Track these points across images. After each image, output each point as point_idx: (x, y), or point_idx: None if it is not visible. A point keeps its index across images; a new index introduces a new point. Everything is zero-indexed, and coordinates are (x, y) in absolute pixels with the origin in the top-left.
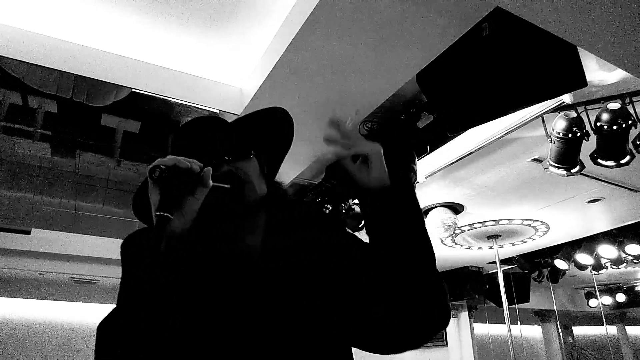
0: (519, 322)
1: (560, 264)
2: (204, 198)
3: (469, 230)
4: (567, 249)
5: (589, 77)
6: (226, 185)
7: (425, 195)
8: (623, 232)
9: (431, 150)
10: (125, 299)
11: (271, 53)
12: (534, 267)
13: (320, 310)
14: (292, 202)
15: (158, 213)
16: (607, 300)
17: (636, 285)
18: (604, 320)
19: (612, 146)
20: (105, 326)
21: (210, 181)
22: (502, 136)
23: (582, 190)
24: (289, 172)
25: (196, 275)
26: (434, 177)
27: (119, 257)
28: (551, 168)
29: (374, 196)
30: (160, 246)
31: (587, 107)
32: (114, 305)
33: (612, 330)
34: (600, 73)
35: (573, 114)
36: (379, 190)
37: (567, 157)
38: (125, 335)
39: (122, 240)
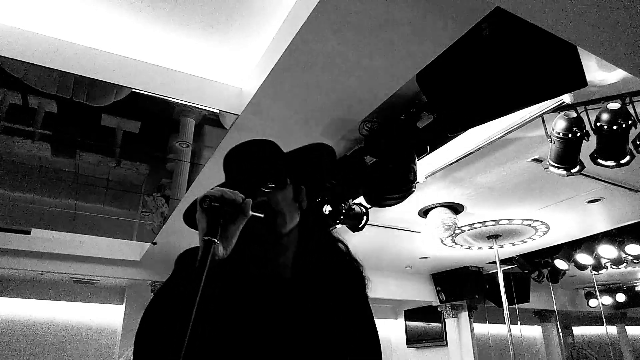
0: (519, 322)
1: (560, 264)
2: (243, 225)
3: (469, 230)
4: (567, 249)
5: (589, 77)
6: (260, 215)
7: (425, 195)
8: (623, 232)
9: (431, 150)
10: (166, 306)
11: (271, 53)
12: (534, 267)
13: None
14: (323, 241)
15: (206, 238)
16: (607, 300)
17: (636, 285)
18: (604, 320)
19: (612, 146)
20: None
21: (250, 211)
22: (502, 136)
23: (582, 190)
24: None
25: (230, 293)
26: (434, 177)
27: (119, 257)
28: (551, 168)
29: None
30: (206, 266)
31: (587, 107)
32: (114, 305)
33: (612, 330)
34: (600, 73)
35: (573, 114)
36: None
37: (567, 157)
38: (161, 340)
39: (178, 254)
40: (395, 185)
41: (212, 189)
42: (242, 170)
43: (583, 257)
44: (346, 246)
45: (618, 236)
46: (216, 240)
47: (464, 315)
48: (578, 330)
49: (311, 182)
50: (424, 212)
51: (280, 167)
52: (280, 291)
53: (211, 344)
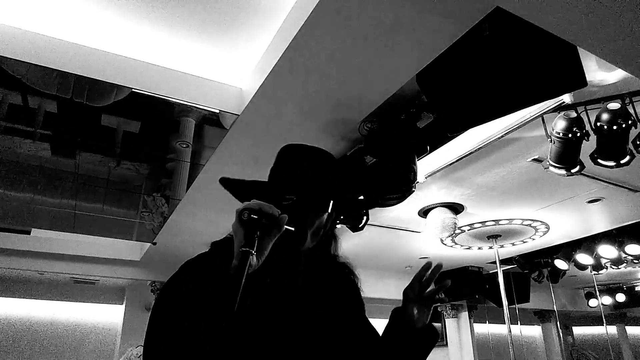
0: (519, 322)
1: (560, 264)
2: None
3: (469, 230)
4: (567, 249)
5: (589, 77)
6: (291, 229)
7: (425, 195)
8: (623, 232)
9: (431, 150)
10: (199, 314)
11: (271, 53)
12: (534, 267)
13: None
14: (330, 256)
15: (243, 249)
16: (607, 300)
17: (636, 285)
18: (604, 320)
19: (612, 146)
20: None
21: (285, 226)
22: (502, 136)
23: (582, 190)
24: None
25: (257, 302)
26: (434, 177)
27: (119, 257)
28: (551, 168)
29: (416, 335)
30: (243, 276)
31: (587, 107)
32: (114, 305)
33: (612, 330)
34: (600, 73)
35: (573, 114)
36: (419, 332)
37: (567, 157)
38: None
39: (185, 262)
40: (395, 185)
41: (251, 201)
42: (292, 182)
43: (583, 257)
44: (344, 260)
45: (618, 236)
46: (253, 252)
47: (464, 315)
48: (578, 330)
49: (340, 209)
50: (424, 212)
51: (328, 195)
52: (294, 299)
53: (241, 352)
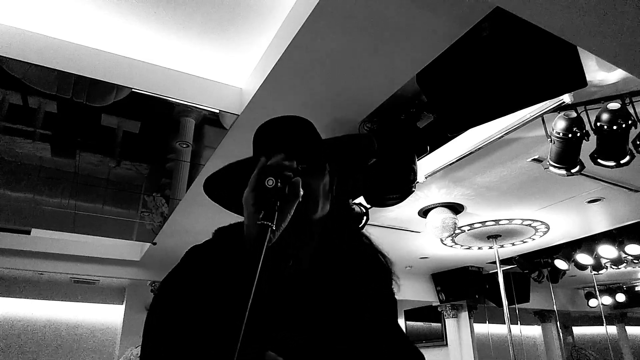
0: (519, 322)
1: (560, 264)
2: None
3: (469, 230)
4: (567, 249)
5: (589, 77)
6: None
7: (425, 195)
8: (623, 232)
9: (431, 150)
10: (215, 294)
11: (271, 53)
12: (534, 267)
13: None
14: (352, 234)
15: (264, 222)
16: (607, 300)
17: (636, 285)
18: (604, 320)
19: (612, 146)
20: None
21: (301, 192)
22: (502, 136)
23: (582, 190)
24: None
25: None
26: (434, 177)
27: (119, 257)
28: (551, 168)
29: None
30: (262, 253)
31: (587, 107)
32: (114, 305)
33: (612, 330)
34: (600, 73)
35: (573, 114)
36: None
37: (567, 157)
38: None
39: (187, 250)
40: (395, 185)
41: (271, 161)
42: (278, 147)
43: (583, 257)
44: (370, 239)
45: (618, 236)
46: (273, 226)
47: (464, 315)
48: (578, 330)
49: (346, 173)
50: (424, 212)
51: (321, 150)
52: (297, 282)
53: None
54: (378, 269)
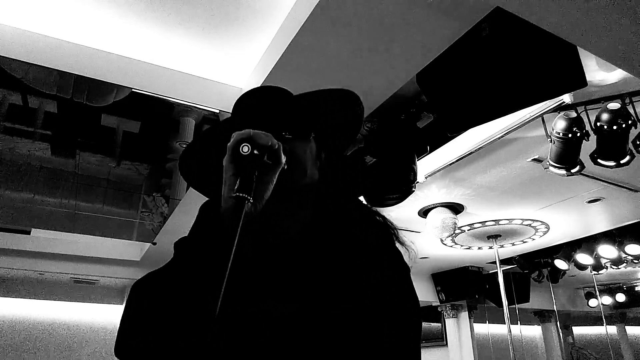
0: (519, 322)
1: (560, 264)
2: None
3: (469, 230)
4: (567, 249)
5: (589, 77)
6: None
7: (425, 195)
8: (623, 232)
9: (431, 150)
10: (192, 271)
11: (271, 53)
12: (534, 267)
13: (327, 311)
14: (346, 200)
15: (239, 194)
16: (607, 300)
17: (636, 285)
18: (604, 320)
19: (612, 146)
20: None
21: (283, 159)
22: (502, 136)
23: (582, 190)
24: None
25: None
26: (434, 177)
27: (119, 257)
28: (551, 168)
29: None
30: (237, 228)
31: (587, 107)
32: (114, 305)
33: (612, 330)
34: (600, 73)
35: (573, 114)
36: None
37: (567, 157)
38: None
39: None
40: (395, 185)
41: (246, 130)
42: (257, 115)
43: (583, 257)
44: (368, 206)
45: (618, 236)
46: (250, 198)
47: (464, 315)
48: (578, 330)
49: (335, 134)
50: (424, 212)
51: (302, 115)
52: (285, 253)
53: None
54: (376, 230)
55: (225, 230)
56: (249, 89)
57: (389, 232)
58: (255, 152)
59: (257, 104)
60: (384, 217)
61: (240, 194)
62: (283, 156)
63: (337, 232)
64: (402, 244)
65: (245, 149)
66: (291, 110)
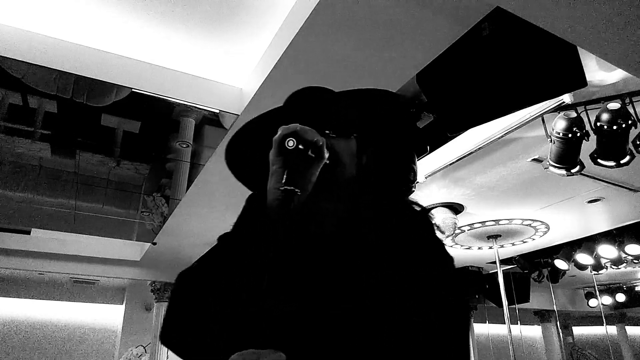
0: (519, 322)
1: (560, 264)
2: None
3: (469, 230)
4: (567, 249)
5: (589, 77)
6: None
7: (425, 195)
8: (623, 232)
9: (431, 150)
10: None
11: (271, 53)
12: (534, 267)
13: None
14: (388, 200)
15: (286, 187)
16: (607, 300)
17: (636, 285)
18: (604, 320)
19: (612, 146)
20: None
21: (326, 154)
22: (502, 136)
23: (582, 190)
24: None
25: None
26: (434, 177)
27: (119, 257)
28: (551, 168)
29: None
30: (285, 221)
31: (587, 107)
32: (114, 305)
33: (612, 330)
34: (600, 73)
35: (573, 114)
36: None
37: (567, 157)
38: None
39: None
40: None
41: (292, 124)
42: (303, 112)
43: (583, 257)
44: (421, 206)
45: (618, 236)
46: (298, 191)
47: None
48: (578, 330)
49: (380, 136)
50: None
51: (344, 114)
52: (320, 247)
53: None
54: (413, 222)
55: (272, 222)
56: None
57: (429, 222)
58: (300, 146)
59: (303, 102)
60: (422, 207)
61: (289, 187)
62: (326, 151)
63: (372, 227)
64: (442, 232)
65: (291, 143)
66: (334, 109)
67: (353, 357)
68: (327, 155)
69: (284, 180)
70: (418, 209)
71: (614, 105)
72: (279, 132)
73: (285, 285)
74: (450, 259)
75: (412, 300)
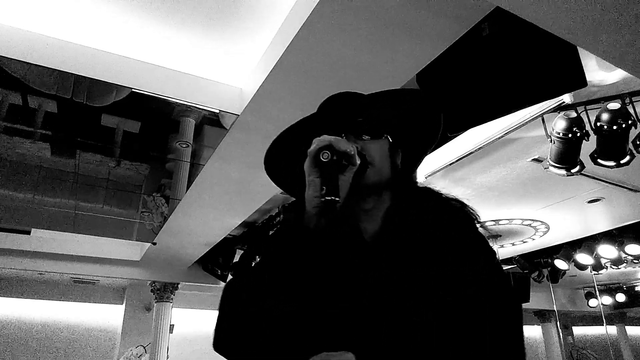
0: None
1: (560, 264)
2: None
3: None
4: (567, 249)
5: (589, 77)
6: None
7: None
8: (623, 232)
9: (431, 150)
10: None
11: (271, 53)
12: (534, 267)
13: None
14: (425, 196)
15: (328, 198)
16: (607, 300)
17: (636, 285)
18: (604, 320)
19: (612, 146)
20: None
21: (358, 161)
22: (502, 136)
23: (582, 190)
24: None
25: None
26: (434, 177)
27: (119, 257)
28: (551, 168)
29: None
30: (328, 228)
31: (587, 107)
32: (114, 305)
33: (612, 330)
34: (600, 73)
35: (573, 114)
36: None
37: (567, 157)
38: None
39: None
40: None
41: (322, 137)
42: (335, 114)
43: (583, 257)
44: (461, 202)
45: (618, 236)
46: (339, 200)
47: None
48: (578, 330)
49: (411, 136)
50: None
51: (377, 115)
52: (359, 256)
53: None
54: (453, 219)
55: (313, 231)
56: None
57: (469, 218)
58: (335, 157)
59: (337, 109)
60: (461, 203)
61: (328, 197)
62: (358, 158)
63: (411, 229)
64: (484, 227)
65: (325, 155)
66: (369, 113)
67: (418, 353)
68: (358, 161)
69: (323, 192)
70: (458, 205)
71: (614, 105)
72: (313, 145)
73: (337, 288)
74: (492, 253)
75: (459, 297)
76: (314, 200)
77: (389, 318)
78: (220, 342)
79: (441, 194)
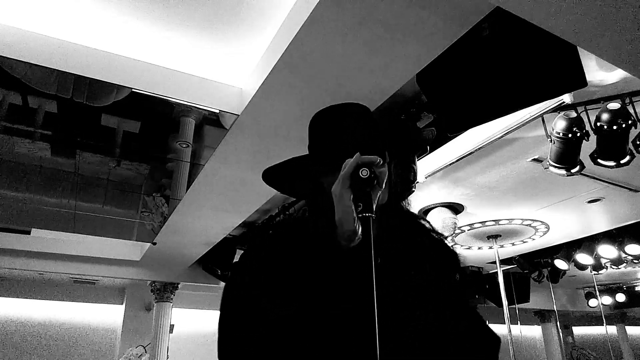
0: (519, 322)
1: (560, 264)
2: None
3: (469, 230)
4: (567, 249)
5: (589, 77)
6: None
7: (425, 195)
8: (623, 232)
9: (431, 150)
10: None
11: (271, 53)
12: (534, 267)
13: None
14: (410, 218)
15: (366, 214)
16: (607, 300)
17: (636, 285)
18: (604, 320)
19: (612, 146)
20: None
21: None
22: (502, 136)
23: (582, 190)
24: None
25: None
26: (434, 177)
27: (119, 257)
28: (551, 168)
29: None
30: (371, 245)
31: (587, 107)
32: (114, 305)
33: (612, 330)
34: (600, 73)
35: (573, 114)
36: None
37: (567, 157)
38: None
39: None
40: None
41: (358, 154)
42: (345, 136)
43: (583, 257)
44: (430, 223)
45: (618, 236)
46: (374, 216)
47: None
48: (578, 330)
49: (401, 157)
50: (424, 212)
51: (384, 141)
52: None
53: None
54: (446, 254)
55: (346, 250)
56: (333, 105)
57: (456, 258)
58: (372, 175)
59: (340, 127)
60: (429, 222)
61: (366, 214)
62: (384, 177)
63: (406, 252)
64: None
65: (365, 172)
66: (375, 136)
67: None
68: (384, 182)
69: (360, 208)
70: (428, 225)
71: (614, 105)
72: (352, 162)
73: (339, 290)
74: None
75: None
76: (348, 215)
77: (388, 318)
78: (227, 355)
79: (412, 213)
